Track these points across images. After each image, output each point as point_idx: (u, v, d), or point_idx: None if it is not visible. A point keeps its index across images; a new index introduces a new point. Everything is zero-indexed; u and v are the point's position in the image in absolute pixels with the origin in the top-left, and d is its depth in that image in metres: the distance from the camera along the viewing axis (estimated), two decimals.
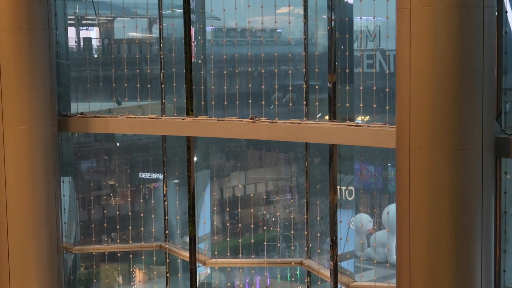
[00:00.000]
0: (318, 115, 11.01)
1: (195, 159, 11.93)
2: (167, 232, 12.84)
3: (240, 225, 12.34)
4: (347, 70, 10.52)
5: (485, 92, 7.93)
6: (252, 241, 12.15)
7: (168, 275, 12.89)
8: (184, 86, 11.77)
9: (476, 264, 7.98)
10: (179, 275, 12.89)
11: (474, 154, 7.91)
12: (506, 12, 8.64)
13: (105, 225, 13.20)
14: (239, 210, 12.49)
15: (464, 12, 7.74)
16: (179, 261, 12.78)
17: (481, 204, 7.97)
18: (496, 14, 8.33)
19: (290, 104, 11.27)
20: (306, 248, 11.85)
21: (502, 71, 8.53)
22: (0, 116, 11.26)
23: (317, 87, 11.03)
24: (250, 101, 11.45)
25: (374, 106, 10.23)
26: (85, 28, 14.39)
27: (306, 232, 11.77)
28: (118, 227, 13.00)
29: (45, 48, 11.47)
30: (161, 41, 12.38)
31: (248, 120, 11.03)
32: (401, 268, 8.33)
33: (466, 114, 7.90)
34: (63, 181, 12.37)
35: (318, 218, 11.54)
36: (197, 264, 12.03)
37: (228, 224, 12.69)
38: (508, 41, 8.69)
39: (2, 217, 11.45)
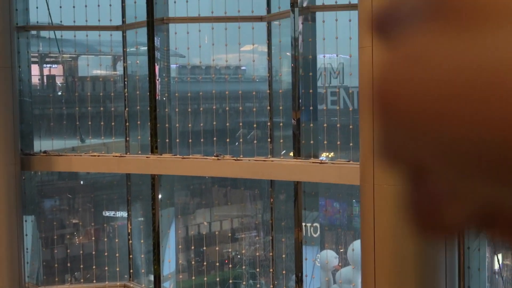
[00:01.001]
0: (283, 152, 11.06)
1: (159, 196, 11.88)
2: (131, 271, 12.73)
3: (205, 263, 12.28)
4: (311, 107, 10.60)
5: None
6: (218, 279, 12.10)
7: None
8: (149, 123, 11.75)
9: None
10: None
11: None
12: None
13: (69, 264, 13.05)
14: (205, 248, 12.44)
15: None
16: None
17: (445, 240, 8.03)
18: None
19: (255, 141, 11.31)
20: (271, 286, 11.81)
21: None
22: None
23: (281, 124, 11.09)
24: (215, 138, 11.47)
25: (338, 143, 10.31)
26: (48, 65, 14.36)
27: (271, 270, 11.74)
28: (82, 266, 12.85)
29: (8, 86, 11.42)
30: (126, 79, 12.38)
31: (213, 157, 11.04)
32: None
33: None
34: (25, 220, 12.24)
35: (284, 255, 11.53)
36: None
37: (193, 262, 12.62)
38: None
39: None
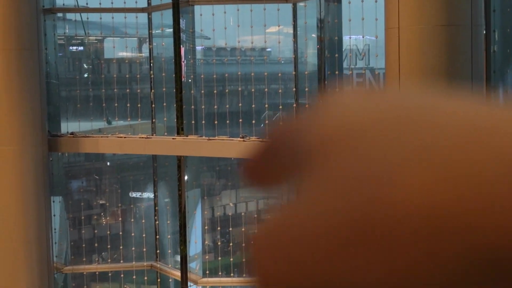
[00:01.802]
0: None
1: (185, 178, 11.95)
2: (158, 251, 12.84)
3: (231, 244, 12.36)
4: (337, 89, 10.58)
5: None
6: (244, 260, 12.13)
7: None
8: (175, 105, 11.80)
9: None
10: None
11: None
12: (495, 30, 8.75)
13: (96, 244, 13.18)
14: (231, 229, 12.50)
15: (452, 32, 7.84)
16: (170, 280, 12.76)
17: None
18: (484, 32, 8.44)
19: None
20: None
21: (491, 90, 8.63)
22: None
23: (307, 105, 11.04)
24: (240, 120, 11.50)
25: None
26: (75, 48, 14.44)
27: None
28: (109, 246, 12.98)
29: (35, 68, 11.50)
30: (151, 61, 12.42)
31: (239, 139, 11.07)
32: None
33: None
34: (53, 201, 12.37)
35: None
36: (189, 283, 12.02)
37: (219, 243, 12.70)
38: (496, 59, 8.80)
39: None
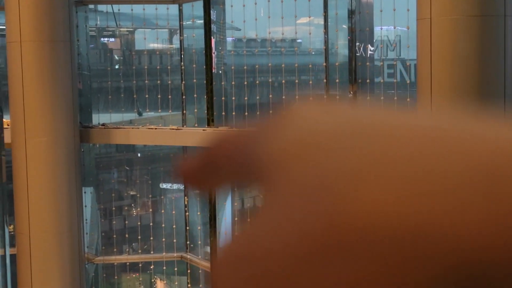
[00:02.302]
0: None
1: None
2: (188, 242, 12.89)
3: None
4: (368, 80, 10.53)
5: (507, 101, 7.91)
6: None
7: (189, 285, 12.92)
8: (205, 96, 11.81)
9: None
10: (201, 285, 12.92)
11: None
12: None
13: (127, 235, 13.26)
14: None
15: (485, 22, 7.75)
16: (200, 271, 12.81)
17: None
18: None
19: None
20: None
21: None
22: (22, 128, 11.37)
23: (338, 97, 11.01)
24: (270, 111, 11.46)
25: None
26: (106, 39, 14.51)
27: None
28: (139, 237, 13.06)
29: (67, 59, 11.57)
30: (182, 52, 12.44)
31: None
32: None
33: None
34: (84, 192, 12.46)
35: None
36: None
37: None
38: None
39: (24, 228, 11.55)
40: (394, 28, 10.62)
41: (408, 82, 10.50)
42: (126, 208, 13.81)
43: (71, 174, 11.77)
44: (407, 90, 10.29)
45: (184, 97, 12.37)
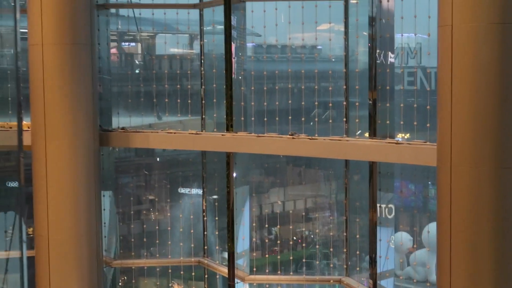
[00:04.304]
0: (358, 132, 10.97)
1: (234, 175, 11.95)
2: (206, 247, 12.87)
3: (279, 241, 12.33)
4: (388, 87, 10.48)
5: None
6: (291, 258, 12.13)
7: None
8: (224, 102, 11.80)
9: None
10: None
11: None
12: None
13: (145, 239, 13.27)
14: (278, 226, 12.47)
15: (507, 30, 7.67)
16: (217, 276, 12.79)
17: None
18: None
19: (330, 121, 11.25)
20: (345, 266, 11.78)
21: None
22: (43, 130, 11.40)
23: (357, 104, 11.00)
24: (290, 117, 11.46)
25: (415, 123, 10.16)
26: (127, 43, 14.56)
27: (345, 250, 11.71)
28: (157, 241, 13.06)
29: (87, 63, 11.60)
30: (202, 57, 12.46)
31: (288, 136, 11.02)
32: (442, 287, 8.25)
33: (509, 132, 7.80)
34: (103, 195, 12.48)
35: (358, 236, 11.48)
36: (236, 280, 12.03)
37: (267, 241, 12.68)
38: None
39: (43, 230, 11.57)
40: (415, 35, 10.56)
41: (428, 89, 10.42)
42: (144, 212, 13.83)
43: (90, 177, 11.79)
44: (427, 97, 10.21)
45: (203, 102, 12.37)
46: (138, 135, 12.24)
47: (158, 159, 14.17)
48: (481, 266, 7.91)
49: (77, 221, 11.66)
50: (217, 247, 12.81)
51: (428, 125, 9.92)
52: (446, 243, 8.13)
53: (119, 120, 12.70)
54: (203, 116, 12.37)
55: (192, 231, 12.89)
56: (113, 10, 13.09)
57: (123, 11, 13.20)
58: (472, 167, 7.86)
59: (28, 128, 11.75)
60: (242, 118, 11.81)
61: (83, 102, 11.59)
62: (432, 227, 10.85)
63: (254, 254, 12.54)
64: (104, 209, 12.52)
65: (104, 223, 12.59)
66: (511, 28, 7.66)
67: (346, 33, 11.13)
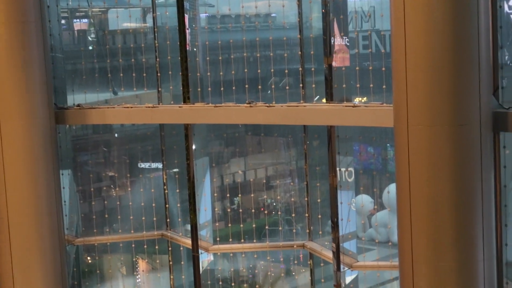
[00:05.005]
0: (316, 98, 11.01)
1: (193, 146, 11.93)
2: (168, 220, 12.87)
3: (241, 210, 12.37)
4: (343, 52, 10.51)
5: (481, 67, 7.94)
6: (254, 226, 12.18)
7: (171, 263, 12.91)
8: (180, 74, 11.75)
9: (478, 239, 8.01)
10: (182, 262, 12.92)
11: (472, 130, 7.93)
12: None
13: (106, 216, 13.22)
14: (240, 196, 12.50)
15: None
16: (181, 249, 12.80)
17: (481, 179, 7.99)
18: None
19: (287, 88, 11.27)
20: (308, 231, 11.88)
21: (498, 45, 8.53)
22: None
23: (313, 69, 11.03)
24: (246, 86, 11.46)
25: (371, 86, 10.23)
26: (78, 20, 14.36)
27: (307, 215, 11.80)
28: (119, 217, 13.02)
29: (39, 40, 11.45)
30: (155, 30, 12.36)
31: (245, 105, 11.03)
32: (403, 247, 8.36)
33: (463, 90, 7.91)
34: (62, 174, 12.38)
35: (319, 201, 11.56)
36: (200, 251, 12.06)
37: (229, 210, 12.71)
38: (502, 15, 8.69)
39: (2, 213, 11.47)
40: None
41: (383, 52, 10.49)
42: (105, 189, 13.75)
43: (48, 156, 11.69)
44: (382, 60, 10.27)
45: (159, 75, 12.30)
46: (94, 111, 12.14)
47: (116, 135, 14.07)
48: (441, 223, 8.03)
49: (36, 201, 11.57)
50: (179, 220, 12.80)
51: (384, 87, 10.00)
52: (406, 203, 8.24)
53: (74, 98, 12.57)
54: (159, 89, 12.30)
55: (154, 205, 12.86)
56: None
57: None
58: (429, 125, 7.96)
59: None
60: (199, 89, 11.77)
61: (36, 80, 11.45)
62: (392, 188, 10.97)
63: (217, 224, 12.57)
64: (63, 188, 12.43)
65: (64, 201, 12.50)
66: None
67: None
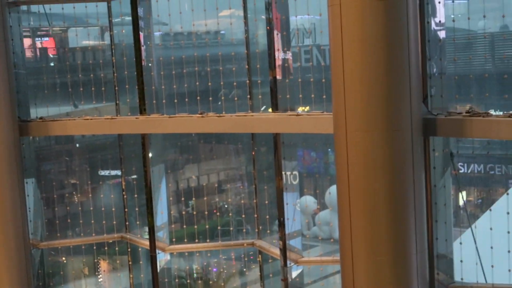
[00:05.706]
0: (263, 108, 11.05)
1: (150, 155, 11.87)
2: (127, 223, 12.77)
3: (195, 213, 12.33)
4: (286, 65, 10.57)
5: (412, 77, 8.04)
6: (207, 227, 12.15)
7: (130, 263, 12.81)
8: (136, 87, 11.69)
9: (411, 234, 8.11)
10: (141, 262, 12.83)
11: (404, 134, 8.03)
12: (428, 4, 8.77)
13: (69, 220, 13.07)
14: (194, 199, 12.46)
15: (389, 5, 7.85)
16: (140, 249, 12.71)
17: (413, 179, 8.09)
18: (419, 5, 8.44)
19: (236, 99, 11.29)
20: (257, 230, 11.89)
21: (426, 58, 8.67)
22: None
23: (259, 82, 11.07)
24: (198, 98, 11.45)
25: (313, 96, 10.31)
26: (40, 38, 14.19)
27: (256, 216, 11.81)
28: (81, 221, 12.88)
29: (2, 58, 11.28)
30: (113, 47, 12.29)
31: (198, 115, 11.01)
32: (344, 243, 8.42)
33: (396, 98, 8.00)
34: (27, 183, 12.19)
35: (267, 202, 11.59)
36: (157, 251, 11.98)
37: (184, 213, 12.67)
38: (430, 30, 8.84)
39: None
40: (308, 15, 10.67)
41: (323, 65, 10.58)
42: (67, 195, 13.58)
43: (13, 166, 11.51)
44: (322, 72, 10.36)
45: (116, 88, 12.22)
46: (56, 123, 12.00)
47: (77, 145, 13.92)
48: (377, 220, 8.10)
49: (2, 209, 11.38)
50: (138, 223, 12.72)
51: (324, 96, 10.08)
52: (346, 203, 8.30)
53: (37, 111, 12.41)
54: (117, 102, 12.22)
55: (113, 209, 12.75)
56: (24, 7, 12.73)
57: (34, 8, 12.85)
58: (365, 131, 8.03)
59: None
60: (154, 102, 11.72)
61: (0, 96, 11.27)
62: (333, 189, 11.06)
63: (173, 226, 12.50)
64: (28, 195, 12.24)
65: (29, 208, 12.31)
66: (393, 3, 7.84)
67: (245, 17, 11.16)
